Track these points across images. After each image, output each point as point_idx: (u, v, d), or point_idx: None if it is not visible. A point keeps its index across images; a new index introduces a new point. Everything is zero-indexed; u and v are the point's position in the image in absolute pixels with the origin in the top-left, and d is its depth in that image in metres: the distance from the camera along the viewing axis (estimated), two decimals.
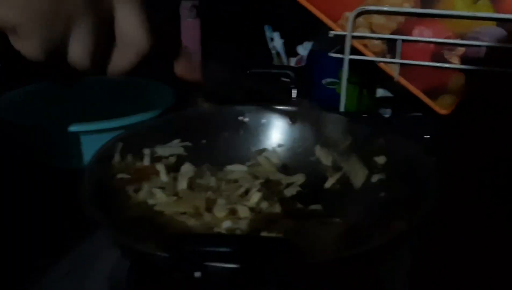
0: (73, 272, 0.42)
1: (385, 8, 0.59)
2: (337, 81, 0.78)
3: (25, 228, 0.48)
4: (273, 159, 0.54)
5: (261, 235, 0.38)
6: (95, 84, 0.66)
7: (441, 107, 0.62)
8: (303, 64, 0.87)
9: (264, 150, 0.55)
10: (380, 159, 0.49)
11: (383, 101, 0.78)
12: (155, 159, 0.48)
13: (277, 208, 0.43)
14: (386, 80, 0.73)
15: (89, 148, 0.52)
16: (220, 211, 0.41)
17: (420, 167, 0.43)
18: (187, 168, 0.48)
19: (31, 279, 0.41)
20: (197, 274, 0.30)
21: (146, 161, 0.47)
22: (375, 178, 0.48)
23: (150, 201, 0.43)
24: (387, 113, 0.76)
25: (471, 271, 0.41)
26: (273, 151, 0.55)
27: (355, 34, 0.62)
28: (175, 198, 0.44)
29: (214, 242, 0.27)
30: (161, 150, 0.50)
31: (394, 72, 0.62)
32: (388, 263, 0.41)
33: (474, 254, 0.43)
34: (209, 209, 0.42)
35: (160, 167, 0.47)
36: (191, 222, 0.41)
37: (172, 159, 0.49)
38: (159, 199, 0.43)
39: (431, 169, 0.41)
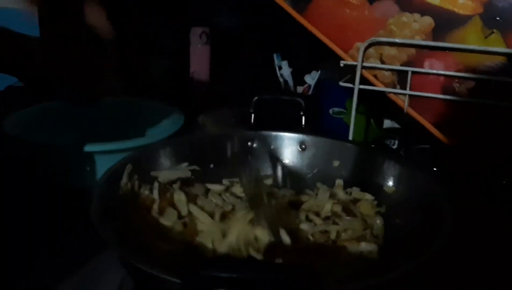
0: None
1: (396, 40, 0.60)
2: (344, 110, 0.78)
3: (30, 246, 0.47)
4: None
5: (279, 263, 0.37)
6: (108, 105, 0.67)
7: (450, 139, 0.62)
8: (310, 93, 0.87)
9: (271, 175, 0.54)
10: (390, 189, 0.49)
11: (390, 132, 0.78)
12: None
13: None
14: (394, 111, 0.73)
15: (99, 168, 0.52)
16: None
17: (433, 199, 0.42)
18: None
19: (32, 261, 0.40)
20: None
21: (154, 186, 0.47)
22: (383, 208, 0.47)
23: (165, 222, 0.43)
24: (394, 144, 0.76)
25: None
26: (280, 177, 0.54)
27: (366, 64, 0.62)
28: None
29: (230, 267, 0.26)
30: (168, 174, 0.50)
31: (403, 103, 0.62)
32: None
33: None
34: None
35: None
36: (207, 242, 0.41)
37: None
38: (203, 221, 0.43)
39: (445, 202, 0.40)
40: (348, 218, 0.45)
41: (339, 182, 0.51)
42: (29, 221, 0.50)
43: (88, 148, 0.52)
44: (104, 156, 0.52)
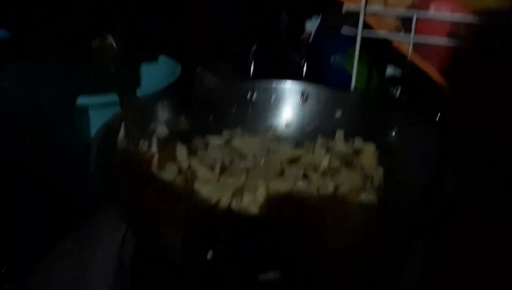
0: (77, 253, 0.40)
1: None
2: (346, 58, 0.76)
3: (26, 205, 0.46)
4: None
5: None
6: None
7: (455, 87, 0.60)
8: (310, 40, 0.85)
9: (271, 127, 0.53)
10: (392, 139, 0.48)
11: (393, 80, 0.76)
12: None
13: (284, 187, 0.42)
14: (397, 58, 0.71)
15: (95, 123, 0.50)
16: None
17: (438, 149, 0.41)
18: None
19: (32, 260, 0.39)
20: (209, 255, 0.29)
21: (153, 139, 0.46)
22: (386, 159, 0.47)
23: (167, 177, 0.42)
24: (397, 92, 0.74)
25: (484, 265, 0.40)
26: (282, 129, 0.53)
27: (369, 9, 0.59)
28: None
29: (231, 226, 0.25)
30: (166, 127, 0.48)
31: (407, 50, 0.60)
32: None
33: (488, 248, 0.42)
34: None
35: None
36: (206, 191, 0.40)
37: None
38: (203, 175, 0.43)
39: (450, 153, 0.39)
40: (347, 171, 0.44)
41: (339, 133, 0.50)
42: (22, 181, 0.49)
43: (82, 101, 0.50)
44: (99, 109, 0.50)
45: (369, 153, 0.47)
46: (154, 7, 0.82)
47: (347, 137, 0.50)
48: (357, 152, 0.48)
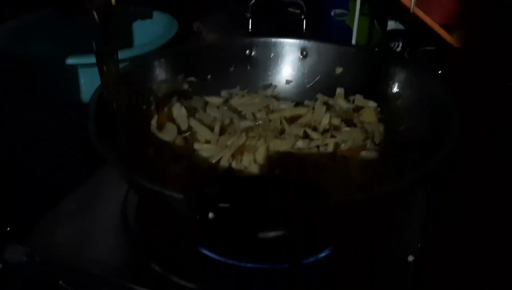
0: (80, 210, 0.41)
1: None
2: (347, 12, 0.74)
3: (24, 164, 0.46)
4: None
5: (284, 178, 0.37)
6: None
7: (457, 40, 0.59)
8: None
9: (270, 85, 0.53)
10: (394, 94, 0.47)
11: (394, 34, 0.74)
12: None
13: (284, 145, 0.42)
14: (398, 11, 0.69)
15: (89, 82, 0.49)
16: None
17: (439, 103, 0.41)
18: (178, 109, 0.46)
19: (32, 221, 0.39)
20: (211, 215, 0.29)
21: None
22: (387, 115, 0.46)
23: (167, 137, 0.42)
24: (398, 46, 0.73)
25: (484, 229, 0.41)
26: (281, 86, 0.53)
27: None
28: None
29: (232, 184, 0.25)
30: (164, 87, 0.48)
31: (410, 2, 0.59)
32: (403, 209, 0.40)
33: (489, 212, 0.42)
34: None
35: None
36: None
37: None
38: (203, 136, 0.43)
39: (452, 107, 0.39)
40: (347, 129, 0.44)
41: (339, 91, 0.50)
42: (18, 141, 0.49)
43: (74, 60, 0.49)
44: (93, 69, 0.49)
45: (370, 110, 0.47)
46: None
47: (348, 94, 0.49)
48: (357, 110, 0.48)
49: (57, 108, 0.53)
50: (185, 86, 0.49)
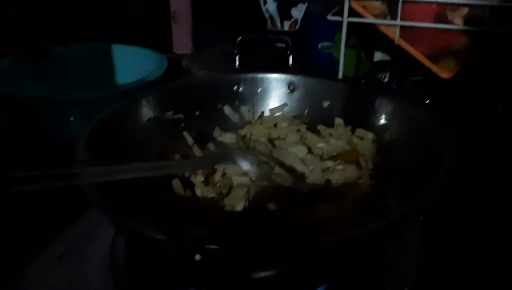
0: (68, 254, 0.40)
1: None
2: (334, 45, 0.75)
3: (14, 207, 0.46)
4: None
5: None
6: (82, 52, 0.63)
7: (443, 71, 0.60)
8: (297, 28, 0.84)
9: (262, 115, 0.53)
10: (384, 125, 0.47)
11: (381, 65, 0.76)
12: None
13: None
14: (385, 43, 0.70)
15: (77, 120, 0.49)
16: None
17: (428, 133, 0.41)
18: None
19: (20, 264, 0.39)
20: (198, 257, 0.28)
21: None
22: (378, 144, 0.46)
23: None
24: (386, 77, 0.74)
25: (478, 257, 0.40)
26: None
27: None
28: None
29: (220, 224, 0.25)
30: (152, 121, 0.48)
31: (394, 35, 0.60)
32: (398, 242, 0.40)
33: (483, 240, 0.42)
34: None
35: None
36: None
37: None
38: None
39: (444, 135, 0.39)
40: (341, 167, 0.44)
41: (339, 121, 0.49)
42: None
43: (63, 98, 0.49)
44: (79, 106, 0.49)
45: (368, 142, 0.47)
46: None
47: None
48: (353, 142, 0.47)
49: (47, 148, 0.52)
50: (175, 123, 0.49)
